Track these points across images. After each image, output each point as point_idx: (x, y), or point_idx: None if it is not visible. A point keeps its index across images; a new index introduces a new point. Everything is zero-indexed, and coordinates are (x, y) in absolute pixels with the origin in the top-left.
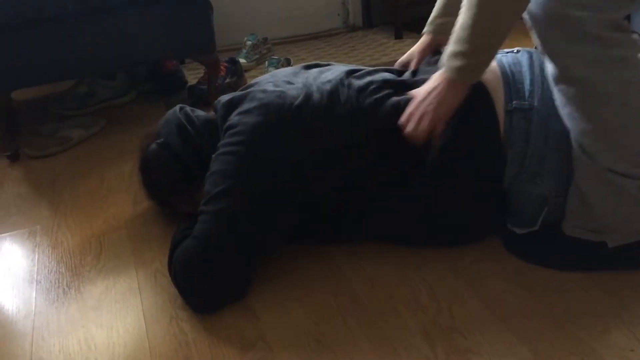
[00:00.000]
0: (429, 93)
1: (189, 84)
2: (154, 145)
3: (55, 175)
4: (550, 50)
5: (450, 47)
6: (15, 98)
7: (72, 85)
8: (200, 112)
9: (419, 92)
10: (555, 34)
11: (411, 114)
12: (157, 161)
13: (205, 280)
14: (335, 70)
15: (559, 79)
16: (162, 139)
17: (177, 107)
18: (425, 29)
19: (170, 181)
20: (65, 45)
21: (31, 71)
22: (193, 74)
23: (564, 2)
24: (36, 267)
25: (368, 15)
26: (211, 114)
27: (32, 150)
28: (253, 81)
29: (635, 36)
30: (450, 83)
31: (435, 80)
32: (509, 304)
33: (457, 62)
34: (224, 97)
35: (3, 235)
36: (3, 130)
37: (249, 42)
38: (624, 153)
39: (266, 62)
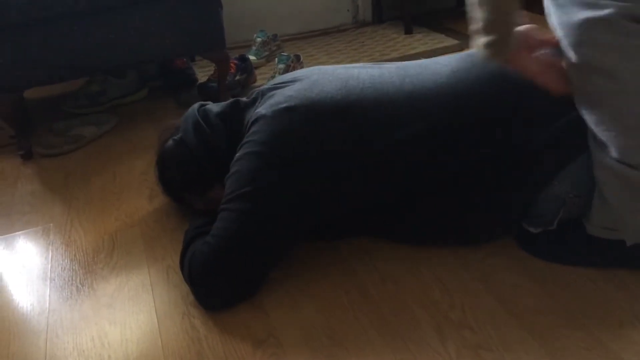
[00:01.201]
0: None
1: (199, 81)
2: (170, 142)
3: (68, 173)
4: (575, 38)
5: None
6: (27, 97)
7: (84, 83)
8: (219, 109)
9: None
10: (585, 25)
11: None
12: (172, 158)
13: (222, 279)
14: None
15: (580, 68)
16: (179, 135)
17: (197, 105)
18: None
19: (184, 178)
20: (77, 44)
21: (43, 70)
22: (203, 72)
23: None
24: (50, 265)
25: (377, 11)
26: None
27: (44, 149)
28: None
29: None
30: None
31: None
32: (521, 300)
33: (481, 41)
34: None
35: (17, 233)
36: (16, 129)
37: (258, 39)
38: (633, 142)
39: (276, 59)
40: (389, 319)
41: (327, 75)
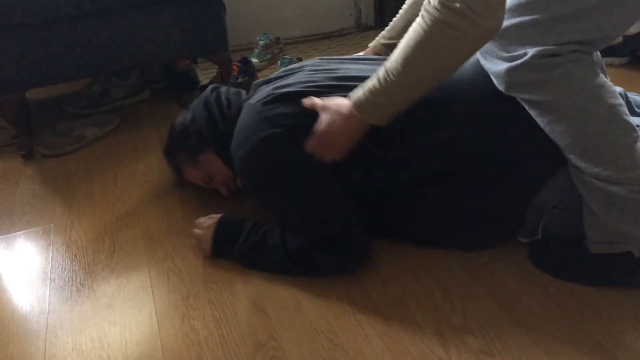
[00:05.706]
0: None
1: (202, 83)
2: (185, 110)
3: (70, 173)
4: (506, 85)
5: (370, 96)
6: (30, 97)
7: (87, 84)
8: (231, 95)
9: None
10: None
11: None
12: (179, 120)
13: (348, 243)
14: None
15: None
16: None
17: (210, 87)
18: (371, 43)
19: (181, 136)
20: (80, 45)
21: (46, 70)
22: (205, 74)
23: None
24: (50, 265)
25: (380, 15)
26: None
27: (46, 149)
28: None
29: (575, 54)
30: (361, 123)
31: (342, 113)
32: (523, 305)
33: (374, 110)
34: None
35: (18, 233)
36: (18, 129)
37: (261, 42)
38: (601, 160)
39: (278, 62)
40: (390, 323)
41: (322, 64)
